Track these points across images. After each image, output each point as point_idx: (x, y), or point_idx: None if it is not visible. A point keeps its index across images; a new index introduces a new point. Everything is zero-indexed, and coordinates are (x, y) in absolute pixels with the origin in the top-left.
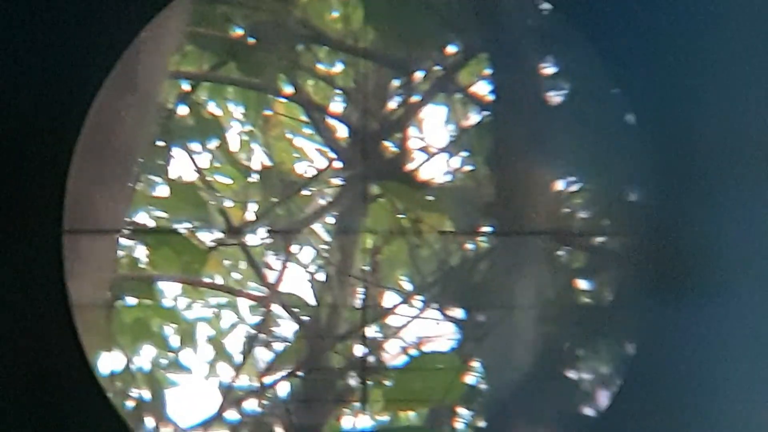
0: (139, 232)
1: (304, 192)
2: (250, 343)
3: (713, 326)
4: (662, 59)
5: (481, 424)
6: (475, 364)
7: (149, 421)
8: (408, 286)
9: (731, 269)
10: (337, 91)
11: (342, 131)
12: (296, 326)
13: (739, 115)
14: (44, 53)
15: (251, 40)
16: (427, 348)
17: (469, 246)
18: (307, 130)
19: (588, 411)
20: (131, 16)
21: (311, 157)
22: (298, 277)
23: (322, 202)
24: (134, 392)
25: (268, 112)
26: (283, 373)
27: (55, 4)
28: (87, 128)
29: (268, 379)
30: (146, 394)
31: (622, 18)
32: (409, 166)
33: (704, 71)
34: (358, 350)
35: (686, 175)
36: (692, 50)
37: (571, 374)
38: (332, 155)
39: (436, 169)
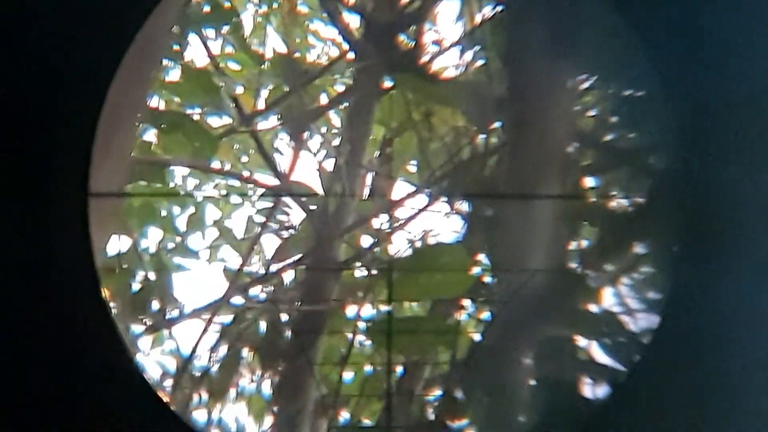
0: (152, 116)
1: (317, 81)
2: (258, 230)
3: (741, 287)
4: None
5: (485, 316)
6: (482, 257)
7: (155, 303)
8: (417, 179)
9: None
10: None
11: (356, 22)
12: (304, 215)
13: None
14: (70, 20)
15: None
16: (433, 240)
17: (479, 140)
18: (321, 22)
19: (593, 308)
20: None
21: (325, 47)
22: (307, 166)
23: (335, 91)
24: (140, 274)
25: None
26: (290, 261)
27: None
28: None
29: (274, 267)
30: (152, 276)
31: None
32: (423, 60)
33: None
34: (365, 241)
35: (715, 134)
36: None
37: (577, 270)
38: (346, 46)
39: (448, 63)
